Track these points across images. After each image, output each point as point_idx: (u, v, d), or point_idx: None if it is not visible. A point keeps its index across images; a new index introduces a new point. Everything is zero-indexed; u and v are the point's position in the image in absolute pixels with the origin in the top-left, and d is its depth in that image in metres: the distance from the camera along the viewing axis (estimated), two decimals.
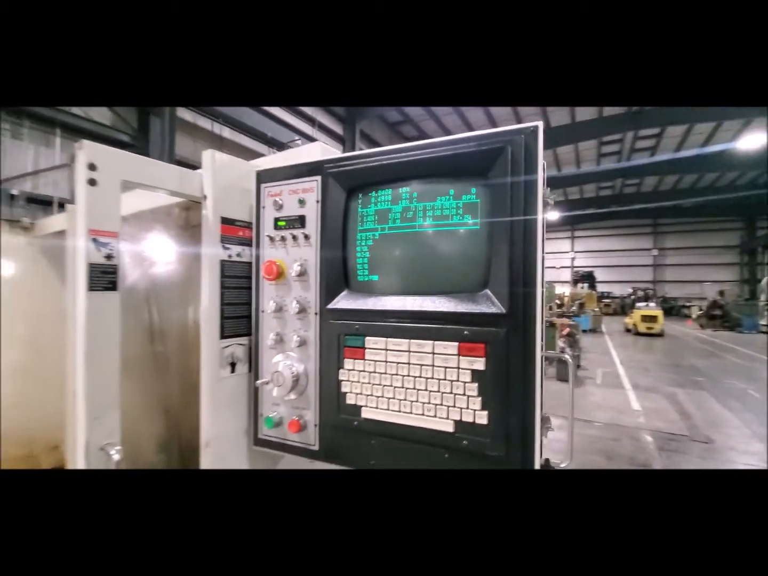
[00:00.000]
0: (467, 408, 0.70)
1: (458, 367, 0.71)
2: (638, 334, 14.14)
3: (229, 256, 0.97)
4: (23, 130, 7.17)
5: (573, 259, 26.10)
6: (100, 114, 7.99)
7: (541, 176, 0.68)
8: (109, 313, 0.80)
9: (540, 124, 0.69)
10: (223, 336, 0.96)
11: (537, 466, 0.69)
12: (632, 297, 19.80)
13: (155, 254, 1.29)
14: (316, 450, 0.87)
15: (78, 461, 0.79)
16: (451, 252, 0.75)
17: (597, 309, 16.65)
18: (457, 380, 0.71)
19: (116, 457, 0.78)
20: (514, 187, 0.68)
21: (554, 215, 21.51)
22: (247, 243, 0.99)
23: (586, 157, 17.14)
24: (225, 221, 0.97)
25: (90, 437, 0.78)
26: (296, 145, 11.83)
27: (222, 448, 0.96)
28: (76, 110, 7.56)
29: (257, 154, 11.85)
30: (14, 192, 7.01)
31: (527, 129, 0.68)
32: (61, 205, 8.01)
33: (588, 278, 22.51)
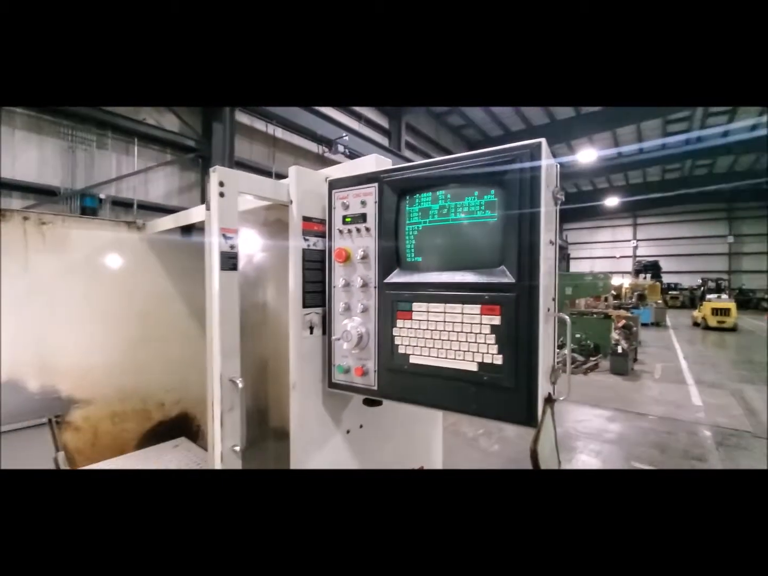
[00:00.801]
0: (487, 353, 0.97)
1: (480, 323, 0.98)
2: (708, 328, 13.17)
3: (308, 245, 1.30)
4: (107, 140, 8.17)
5: (635, 247, 24.45)
6: (171, 122, 8.86)
7: (543, 179, 0.93)
8: (232, 286, 1.16)
9: (543, 140, 0.93)
10: (304, 306, 1.29)
11: (540, 397, 0.94)
12: (702, 288, 18.31)
13: (249, 245, 1.66)
14: (375, 389, 1.18)
15: (215, 390, 1.16)
16: (475, 238, 1.01)
17: (660, 301, 15.62)
18: (480, 333, 0.98)
19: (240, 385, 1.14)
20: (522, 188, 0.93)
21: (613, 201, 20.29)
22: (321, 235, 1.32)
23: (650, 138, 16.03)
24: (305, 219, 1.29)
25: (222, 371, 1.14)
26: (344, 141, 12.18)
27: (304, 388, 1.30)
28: (150, 121, 8.45)
29: (307, 152, 12.43)
30: (102, 196, 8.04)
31: (533, 144, 0.93)
32: (140, 207, 8.98)
33: (652, 268, 21.08)
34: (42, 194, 7.16)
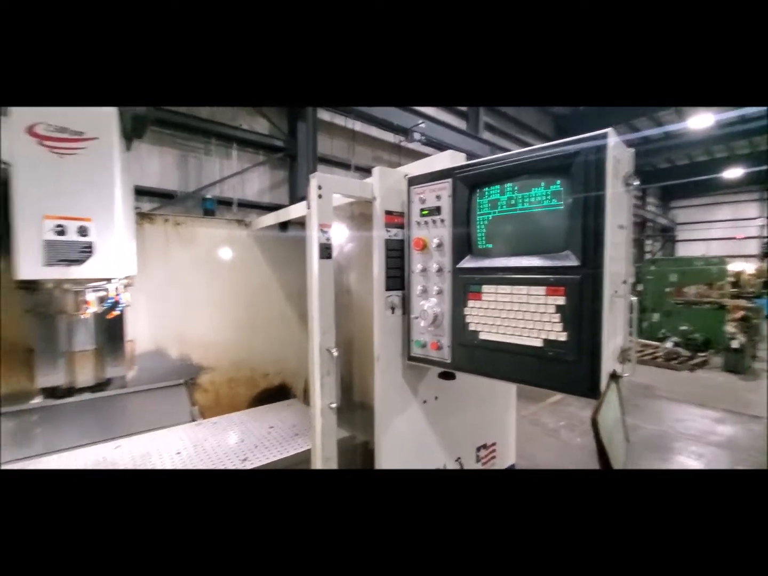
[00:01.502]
0: (551, 330, 1.07)
1: (545, 303, 1.08)
2: None
3: (390, 236, 1.49)
4: (211, 147, 9.28)
5: (763, 226, 20.70)
6: (262, 126, 9.74)
7: (609, 169, 0.98)
8: (328, 272, 1.40)
9: (609, 130, 0.99)
10: (387, 289, 1.49)
11: (603, 372, 1.02)
12: None
13: (338, 237, 1.92)
14: (449, 362, 1.34)
15: (315, 358, 1.41)
16: (541, 226, 1.11)
17: None
18: (545, 312, 1.08)
19: (335, 354, 1.39)
20: (587, 178, 1.00)
21: (735, 173, 17.39)
22: (400, 226, 1.50)
23: None
24: (387, 213, 1.48)
25: (321, 343, 1.40)
26: (420, 129, 12.19)
27: (387, 361, 1.50)
28: (245, 126, 9.39)
29: (384, 143, 12.70)
30: (208, 196, 9.19)
31: (598, 135, 0.99)
32: (239, 204, 10.04)
33: None
34: (163, 197, 8.45)
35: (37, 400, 2.03)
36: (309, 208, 1.40)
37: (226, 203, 9.62)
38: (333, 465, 1.43)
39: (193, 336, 2.53)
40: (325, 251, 1.39)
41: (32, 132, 1.43)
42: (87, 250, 1.48)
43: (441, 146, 12.79)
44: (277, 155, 9.97)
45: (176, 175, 8.68)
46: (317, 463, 1.42)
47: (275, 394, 2.80)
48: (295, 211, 2.15)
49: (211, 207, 8.48)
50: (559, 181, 1.07)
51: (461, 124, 13.32)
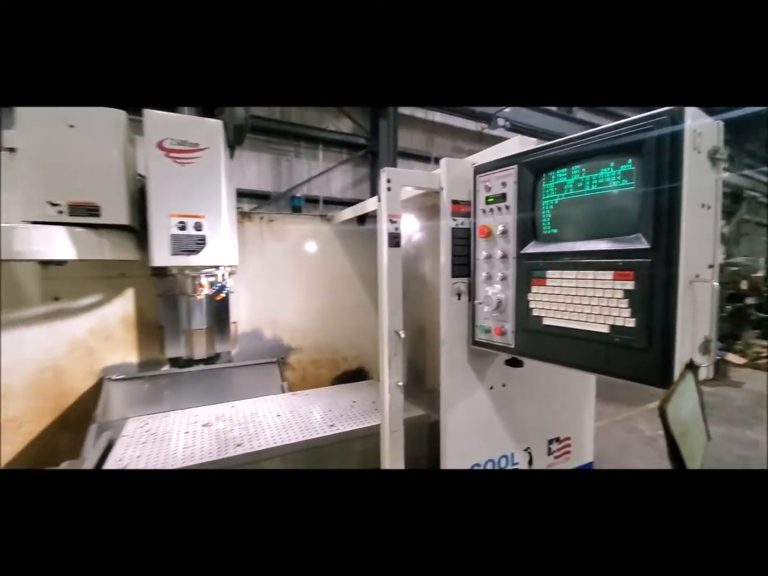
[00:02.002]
0: (619, 316, 1.04)
1: (613, 288, 1.05)
2: None
3: (456, 224, 1.54)
4: (301, 150, 10.03)
5: None
6: (346, 126, 10.23)
7: (687, 145, 0.93)
8: (396, 259, 1.51)
9: (687, 109, 0.93)
10: (453, 276, 1.55)
11: (678, 361, 0.96)
12: None
13: (408, 226, 2.01)
14: (512, 347, 1.36)
15: (384, 339, 1.54)
16: (609, 208, 1.07)
17: None
18: (612, 297, 1.05)
19: (402, 336, 1.49)
20: (661, 155, 0.95)
21: None
22: (466, 215, 1.54)
23: None
24: (454, 202, 1.54)
25: (390, 325, 1.51)
26: (504, 114, 11.68)
27: (452, 344, 1.57)
28: (331, 127, 9.95)
29: (465, 131, 12.42)
30: (297, 195, 9.95)
31: (674, 110, 0.94)
32: (324, 202, 10.70)
33: None
34: (260, 198, 9.39)
35: (165, 368, 2.49)
36: (379, 200, 1.52)
37: (313, 201, 10.31)
38: (400, 438, 1.54)
39: (283, 320, 2.85)
40: (394, 240, 1.49)
41: (161, 146, 1.77)
42: (201, 242, 1.79)
43: (527, 131, 12.11)
44: (359, 153, 10.39)
45: (270, 178, 9.57)
46: (385, 435, 1.54)
47: (354, 376, 3.02)
48: (370, 204, 2.30)
49: (298, 204, 9.26)
50: (630, 161, 1.03)
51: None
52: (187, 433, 1.73)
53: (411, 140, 11.84)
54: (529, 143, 1.50)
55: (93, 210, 1.68)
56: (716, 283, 1.02)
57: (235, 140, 2.44)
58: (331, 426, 1.79)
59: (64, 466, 1.64)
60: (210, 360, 2.58)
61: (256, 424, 1.82)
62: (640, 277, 1.00)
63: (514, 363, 1.57)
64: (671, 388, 0.95)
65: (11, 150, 1.61)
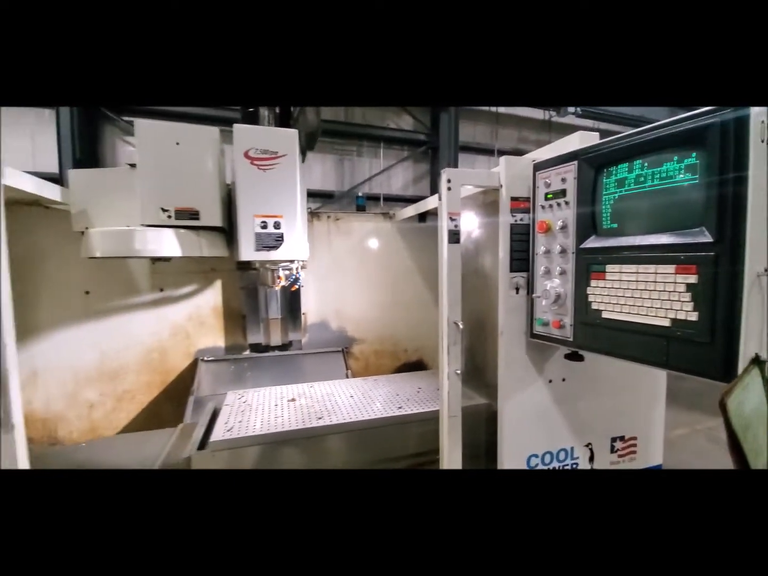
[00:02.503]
0: (681, 310, 1.05)
1: (674, 282, 1.07)
2: None
3: (515, 220, 1.60)
4: (363, 149, 10.34)
5: None
6: (407, 123, 10.35)
7: (752, 137, 0.92)
8: (455, 255, 1.61)
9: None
10: (511, 270, 1.61)
11: (742, 355, 0.96)
12: None
13: (468, 223, 2.10)
14: (570, 340, 1.40)
15: (443, 329, 1.65)
16: (672, 202, 1.08)
17: None
18: (673, 291, 1.07)
19: (460, 326, 1.59)
20: (726, 148, 0.96)
21: None
22: (525, 211, 1.59)
23: None
24: (513, 199, 1.60)
25: (449, 316, 1.62)
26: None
27: (510, 336, 1.63)
28: (392, 125, 10.14)
29: (531, 120, 11.95)
30: (360, 194, 10.26)
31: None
32: (385, 199, 10.92)
33: None
34: (324, 197, 9.87)
35: (247, 353, 2.82)
36: (440, 199, 1.62)
37: (374, 198, 10.58)
38: (457, 423, 1.64)
39: (348, 312, 3.06)
40: (453, 237, 1.59)
41: (246, 155, 2.03)
42: (280, 239, 2.03)
43: (599, 115, 11.32)
44: (419, 149, 10.46)
45: (333, 177, 10.00)
46: (444, 420, 1.66)
47: (413, 367, 3.16)
48: (432, 202, 2.40)
49: (362, 203, 9.65)
50: (694, 154, 1.03)
51: None
52: (276, 405, 1.99)
53: (473, 133, 11.64)
54: (589, 138, 1.51)
55: (194, 214, 1.99)
56: None
57: (306, 146, 2.68)
58: (399, 408, 1.95)
59: (179, 427, 1.96)
60: (284, 347, 2.86)
61: (332, 402, 2.03)
62: (703, 271, 1.01)
63: (574, 357, 1.59)
64: (734, 382, 0.96)
65: (132, 165, 1.96)
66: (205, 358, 2.67)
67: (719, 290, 0.98)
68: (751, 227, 0.94)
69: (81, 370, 2.43)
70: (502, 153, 12.13)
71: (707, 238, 1.00)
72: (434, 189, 10.72)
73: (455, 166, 10.22)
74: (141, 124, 1.90)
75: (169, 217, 1.95)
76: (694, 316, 1.03)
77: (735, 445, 0.98)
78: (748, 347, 0.98)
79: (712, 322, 1.00)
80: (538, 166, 1.52)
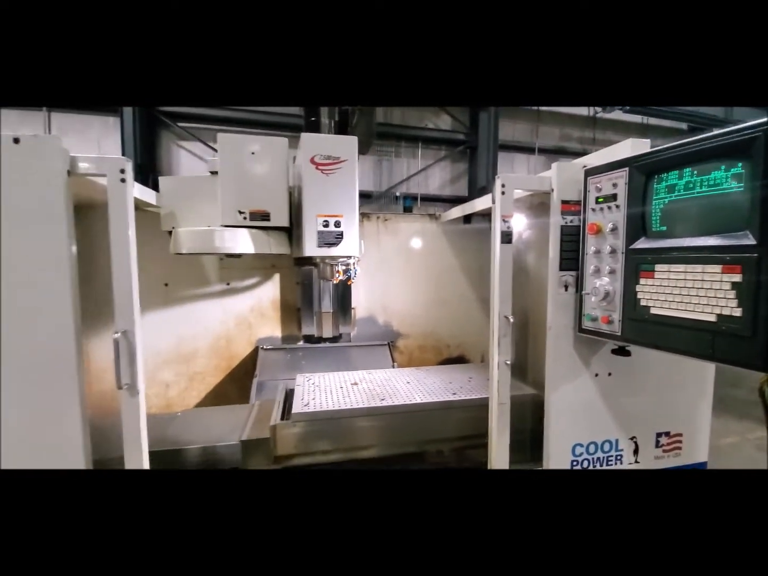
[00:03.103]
0: (726, 306, 1.16)
1: (720, 281, 1.17)
2: None
3: (565, 222, 1.73)
4: (401, 149, 10.51)
5: None
6: (445, 123, 10.44)
7: None
8: (507, 254, 1.75)
9: None
10: (561, 269, 1.74)
11: None
12: None
13: (519, 224, 2.23)
14: (619, 335, 1.52)
15: (495, 322, 1.80)
16: (719, 207, 1.19)
17: None
18: (719, 289, 1.18)
19: (511, 320, 1.74)
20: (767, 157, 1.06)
21: None
22: (576, 213, 1.72)
23: None
24: (563, 202, 1.72)
25: (500, 310, 1.77)
26: None
27: (557, 331, 1.76)
28: (430, 125, 10.26)
29: (575, 118, 11.72)
30: (397, 194, 10.46)
31: None
32: (422, 199, 11.05)
33: None
34: (362, 197, 10.13)
35: (301, 343, 3.07)
36: (494, 202, 1.78)
37: (412, 198, 10.72)
38: (506, 410, 1.79)
39: (394, 308, 3.25)
40: (506, 237, 1.74)
41: (312, 161, 2.25)
42: (339, 237, 2.24)
43: (649, 111, 10.92)
44: (457, 149, 10.51)
45: (372, 177, 10.24)
46: (494, 407, 1.81)
47: (455, 362, 3.30)
48: (480, 203, 2.54)
49: (409, 205, 9.96)
50: (740, 164, 1.14)
51: None
52: (341, 388, 2.22)
53: (513, 132, 11.54)
54: (641, 146, 1.61)
55: (265, 216, 2.24)
56: None
57: (360, 150, 2.89)
58: (454, 394, 2.13)
59: (257, 403, 2.22)
60: (334, 339, 3.09)
61: (391, 386, 2.24)
62: (747, 270, 1.11)
63: (621, 352, 1.70)
64: None
65: (214, 173, 2.23)
66: (265, 347, 2.94)
67: (761, 288, 1.09)
68: None
69: (160, 353, 2.76)
70: (543, 151, 11.99)
71: (751, 240, 1.10)
72: (472, 189, 10.73)
73: (494, 165, 10.20)
74: (223, 137, 2.17)
75: (245, 218, 2.21)
76: (738, 312, 1.14)
77: None
78: None
79: (754, 317, 1.10)
80: (590, 172, 1.64)
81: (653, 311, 1.37)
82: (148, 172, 7.95)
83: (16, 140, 1.25)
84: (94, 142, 8.22)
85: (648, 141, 1.63)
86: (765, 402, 1.03)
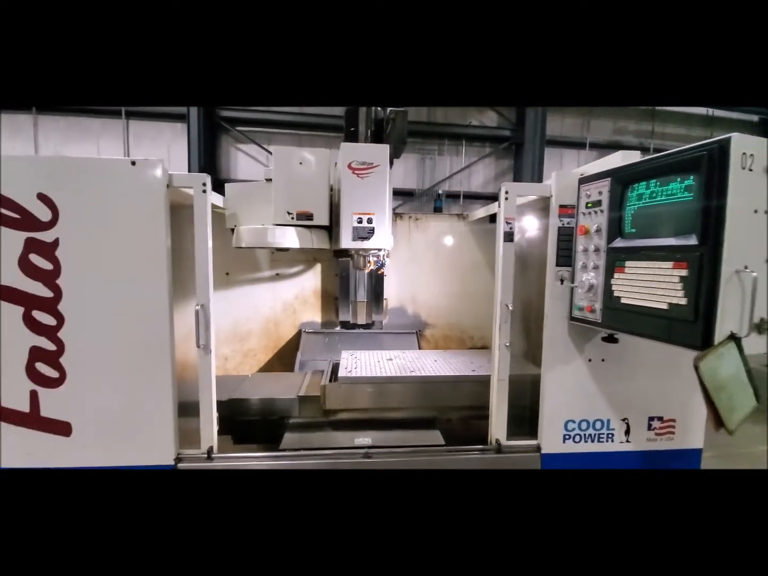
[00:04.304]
0: (674, 296, 1.41)
1: (671, 275, 1.42)
2: None
3: (562, 224, 1.99)
4: (444, 147, 10.71)
5: None
6: (490, 119, 10.51)
7: (732, 166, 1.25)
8: (510, 251, 2.05)
9: (733, 135, 1.25)
10: (557, 265, 2.01)
11: (718, 331, 1.30)
12: None
13: (527, 225, 2.50)
14: (599, 322, 1.78)
15: (496, 310, 2.10)
16: (674, 213, 1.43)
17: None
18: (670, 281, 1.42)
19: (510, 308, 2.04)
20: (711, 174, 1.30)
21: None
22: (571, 216, 1.98)
23: None
24: (561, 206, 1.99)
25: (501, 299, 2.07)
26: None
27: (553, 320, 2.03)
28: (475, 122, 10.38)
29: (630, 110, 11.34)
30: (440, 192, 10.69)
31: (722, 140, 1.27)
32: (465, 197, 11.22)
33: None
34: (405, 195, 10.47)
35: (338, 329, 3.50)
36: (499, 207, 2.08)
37: (454, 197, 10.91)
38: (505, 386, 2.09)
39: (422, 300, 3.60)
40: (508, 236, 2.04)
41: (349, 166, 2.65)
42: (371, 232, 2.62)
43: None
44: (502, 145, 10.54)
45: (415, 176, 10.56)
46: (494, 382, 2.11)
47: None
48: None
49: (439, 205, 10.19)
50: (692, 177, 1.38)
51: None
52: (378, 362, 2.65)
53: (561, 127, 11.35)
54: (632, 157, 1.84)
55: (309, 216, 2.67)
56: (755, 275, 1.29)
57: (394, 155, 3.26)
58: (473, 371, 2.47)
59: (310, 372, 2.70)
60: (367, 326, 3.49)
61: (421, 363, 2.65)
62: (691, 266, 1.36)
63: (609, 340, 1.94)
64: (707, 350, 1.30)
65: (269, 180, 2.70)
66: (307, 330, 3.41)
67: (702, 282, 1.33)
68: (729, 234, 1.28)
69: (221, 331, 3.31)
70: (594, 146, 11.67)
71: (694, 241, 1.35)
72: None
73: (540, 162, 10.13)
74: (277, 150, 2.64)
75: (292, 218, 2.66)
76: (683, 301, 1.38)
77: (709, 401, 1.33)
78: (724, 326, 1.31)
79: (696, 306, 1.35)
80: (582, 180, 1.90)
81: (623, 301, 1.63)
82: (209, 173, 8.84)
83: (133, 163, 1.75)
84: (165, 147, 9.25)
85: (638, 153, 1.86)
86: (700, 377, 1.28)
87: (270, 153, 10.18)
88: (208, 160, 9.12)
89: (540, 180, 9.60)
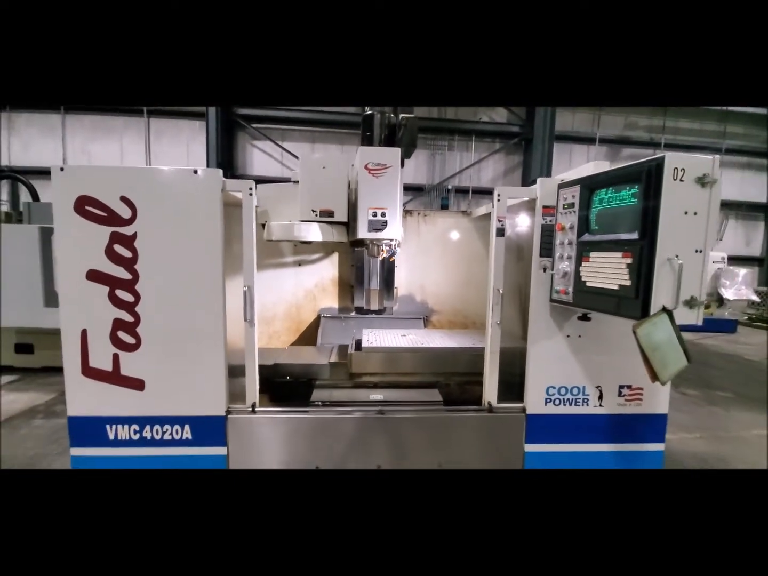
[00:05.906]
0: (622, 279, 1.84)
1: (620, 263, 1.85)
2: None
3: (546, 221, 2.42)
4: (454, 143, 11.08)
5: None
6: (500, 115, 10.82)
7: (665, 179, 1.67)
8: (501, 245, 2.49)
9: (666, 155, 1.67)
10: (540, 256, 2.44)
11: (654, 304, 1.73)
12: None
13: (523, 222, 2.94)
14: (571, 302, 2.21)
15: (489, 294, 2.54)
16: (624, 215, 1.86)
17: None
18: (620, 268, 1.85)
19: (500, 292, 2.48)
20: (649, 185, 1.72)
21: None
22: (552, 215, 2.41)
23: None
24: (545, 207, 2.42)
25: (493, 284, 2.51)
26: None
27: (537, 302, 2.47)
28: (485, 118, 10.72)
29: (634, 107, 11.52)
30: (449, 187, 11.06)
31: (658, 159, 1.70)
32: (474, 192, 11.62)
33: None
34: (415, 190, 10.88)
35: (353, 314, 3.98)
36: (492, 207, 2.52)
37: (463, 191, 11.28)
38: (496, 358, 2.54)
39: (430, 288, 4.05)
40: (500, 232, 2.48)
41: (366, 167, 3.10)
42: (384, 224, 3.07)
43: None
44: (512, 141, 10.87)
45: (425, 171, 10.96)
46: (488, 354, 2.56)
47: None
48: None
49: (446, 203, 10.63)
50: (636, 186, 1.80)
51: None
52: (393, 337, 3.12)
53: (573, 122, 11.62)
54: (602, 166, 2.26)
55: (330, 213, 3.14)
56: (681, 262, 1.71)
57: (405, 155, 3.70)
58: (475, 344, 2.94)
59: (336, 345, 3.19)
60: (379, 312, 3.96)
61: (430, 338, 3.12)
62: (634, 255, 1.79)
63: (583, 318, 2.38)
64: (642, 320, 1.73)
65: (296, 182, 3.17)
66: (325, 315, 3.89)
67: (641, 268, 1.76)
68: (661, 231, 1.70)
69: None
70: (604, 141, 11.91)
71: (636, 236, 1.78)
72: (525, 181, 11.05)
73: (549, 157, 10.45)
74: (304, 157, 3.10)
75: (316, 215, 3.12)
76: (628, 283, 1.81)
77: (645, 359, 1.76)
78: (658, 301, 1.74)
79: (637, 286, 1.78)
80: (561, 186, 2.33)
81: (588, 284, 2.06)
82: (226, 168, 9.36)
83: (195, 171, 2.23)
84: (184, 144, 9.80)
85: (607, 163, 2.28)
86: (637, 340, 1.71)
87: (284, 150, 10.70)
88: (225, 155, 9.63)
89: (549, 175, 9.91)
